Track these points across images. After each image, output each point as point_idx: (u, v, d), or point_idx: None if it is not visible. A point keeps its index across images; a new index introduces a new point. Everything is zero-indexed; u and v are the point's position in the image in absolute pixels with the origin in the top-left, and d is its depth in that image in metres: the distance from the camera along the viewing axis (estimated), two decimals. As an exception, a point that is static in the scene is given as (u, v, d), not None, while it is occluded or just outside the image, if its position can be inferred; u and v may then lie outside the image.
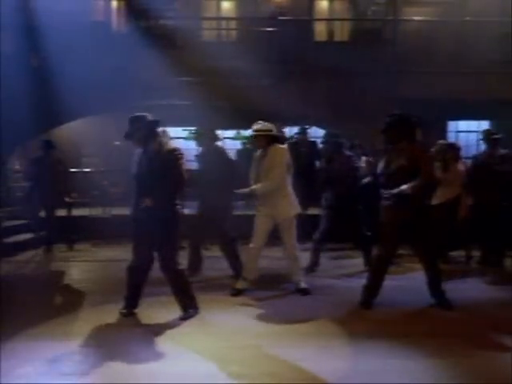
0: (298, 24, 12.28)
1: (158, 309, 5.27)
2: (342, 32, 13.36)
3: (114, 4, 12.42)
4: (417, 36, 11.55)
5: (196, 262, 6.69)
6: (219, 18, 13.38)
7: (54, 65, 9.56)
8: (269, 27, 11.40)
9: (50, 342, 4.36)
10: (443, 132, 13.02)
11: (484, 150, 7.80)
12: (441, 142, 7.99)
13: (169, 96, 10.25)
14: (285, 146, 6.03)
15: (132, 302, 5.08)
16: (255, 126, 5.87)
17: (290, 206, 5.82)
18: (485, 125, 12.46)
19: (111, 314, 5.11)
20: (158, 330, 4.66)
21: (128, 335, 4.54)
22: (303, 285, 5.98)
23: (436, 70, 10.42)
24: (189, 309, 5.07)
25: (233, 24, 13.40)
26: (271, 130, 5.84)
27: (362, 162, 8.70)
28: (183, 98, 10.33)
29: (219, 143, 6.89)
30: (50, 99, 9.55)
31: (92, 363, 3.94)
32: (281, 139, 6.14)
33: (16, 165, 11.75)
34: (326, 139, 7.26)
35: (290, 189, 5.87)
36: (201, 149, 6.80)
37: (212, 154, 6.62)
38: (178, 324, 4.83)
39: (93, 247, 8.93)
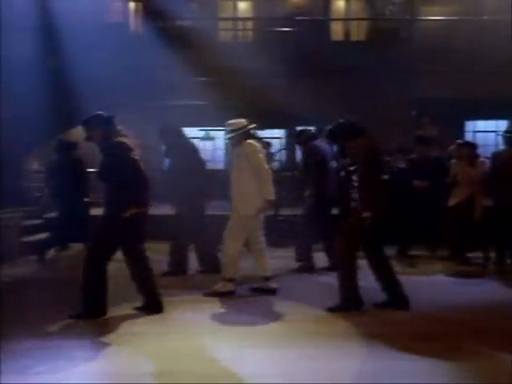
0: (314, 24, 12.26)
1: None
2: (358, 31, 13.31)
3: (132, 5, 12.51)
4: (434, 35, 11.48)
5: (180, 262, 6.70)
6: (235, 19, 13.41)
7: (71, 66, 9.64)
8: (285, 27, 11.40)
9: (67, 341, 4.40)
10: (461, 132, 12.92)
11: (503, 149, 7.70)
12: (458, 141, 7.94)
13: (185, 96, 10.30)
14: (252, 141, 5.83)
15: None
16: (228, 125, 5.82)
17: (253, 204, 5.66)
18: (503, 124, 12.33)
19: (128, 312, 5.15)
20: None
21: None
22: (267, 285, 5.85)
23: (453, 69, 10.33)
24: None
25: (249, 24, 13.42)
26: (245, 127, 5.78)
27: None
28: (199, 98, 10.37)
29: (188, 141, 6.87)
30: (68, 100, 9.63)
31: (109, 361, 3.97)
32: (252, 135, 5.95)
33: (34, 165, 11.86)
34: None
35: (256, 186, 5.69)
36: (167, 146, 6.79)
37: (180, 151, 6.61)
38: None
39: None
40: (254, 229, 5.78)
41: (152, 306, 5.09)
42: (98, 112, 5.02)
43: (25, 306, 5.39)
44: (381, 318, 4.97)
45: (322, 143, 7.10)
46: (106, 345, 4.29)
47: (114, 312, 5.08)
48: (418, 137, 8.32)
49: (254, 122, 5.91)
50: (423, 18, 12.26)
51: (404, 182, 7.86)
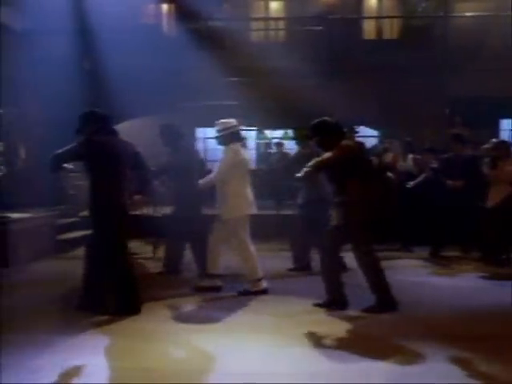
0: (346, 22, 12.19)
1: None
2: (391, 30, 13.18)
3: (165, 7, 12.65)
4: (468, 32, 11.29)
5: (175, 262, 6.78)
6: (267, 19, 13.42)
7: (105, 67, 9.81)
8: (317, 26, 11.37)
9: (96, 335, 4.51)
10: (496, 130, 12.69)
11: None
12: (493, 140, 7.80)
13: (217, 96, 10.37)
14: (238, 144, 5.84)
15: None
16: (217, 125, 5.84)
17: (233, 207, 5.69)
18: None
19: (160, 308, 5.23)
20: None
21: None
22: (257, 286, 5.82)
23: (488, 66, 10.16)
24: None
25: (281, 24, 13.43)
26: (233, 127, 5.79)
27: (409, 159, 8.59)
28: (232, 99, 10.42)
29: (187, 140, 6.94)
30: (102, 101, 9.79)
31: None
32: (240, 136, 5.97)
33: (69, 164, 12.08)
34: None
35: (238, 190, 5.72)
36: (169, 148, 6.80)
37: (180, 151, 6.63)
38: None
39: (146, 245, 9.09)
40: (237, 231, 5.78)
41: None
42: (94, 109, 5.13)
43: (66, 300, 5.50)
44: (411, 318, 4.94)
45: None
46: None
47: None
48: (454, 135, 8.19)
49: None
50: (457, 14, 12.08)
51: (437, 181, 7.77)
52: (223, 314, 5.10)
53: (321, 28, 11.27)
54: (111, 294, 5.08)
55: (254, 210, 5.89)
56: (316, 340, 4.39)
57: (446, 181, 7.66)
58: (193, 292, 5.84)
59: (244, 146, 6.16)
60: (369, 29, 13.17)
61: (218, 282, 5.89)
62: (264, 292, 5.78)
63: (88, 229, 8.97)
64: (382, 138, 11.26)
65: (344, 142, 5.15)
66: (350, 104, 10.25)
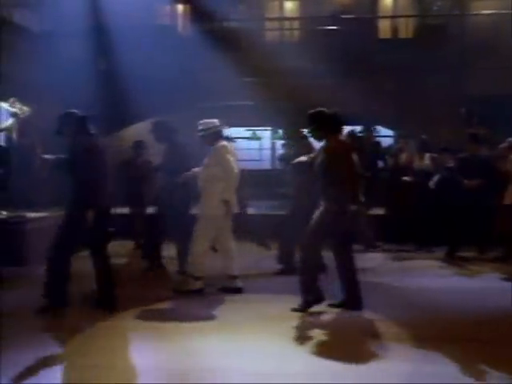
0: (361, 22, 12.15)
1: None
2: (406, 28, 13.09)
3: (180, 7, 12.70)
4: (484, 30, 11.19)
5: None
6: (282, 19, 13.41)
7: (121, 68, 9.88)
8: (332, 26, 11.34)
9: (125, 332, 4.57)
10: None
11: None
12: (510, 139, 7.74)
13: (232, 97, 10.39)
14: (225, 143, 5.88)
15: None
16: (200, 125, 5.88)
17: (216, 205, 5.71)
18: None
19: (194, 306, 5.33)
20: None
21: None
22: (233, 283, 5.91)
23: (504, 65, 10.06)
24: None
25: (296, 24, 13.41)
26: (216, 127, 5.84)
27: (426, 158, 8.54)
28: (246, 99, 10.44)
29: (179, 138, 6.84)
30: (118, 101, 9.88)
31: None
32: (223, 136, 5.99)
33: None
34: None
35: (223, 188, 5.72)
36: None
37: (171, 148, 6.67)
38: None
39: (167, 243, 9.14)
40: (222, 228, 5.84)
41: None
42: (73, 110, 5.20)
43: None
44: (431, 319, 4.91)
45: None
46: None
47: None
48: (470, 135, 8.14)
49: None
50: (473, 12, 11.97)
51: (454, 181, 7.72)
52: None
53: (336, 27, 11.23)
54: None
55: (235, 209, 5.92)
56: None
57: (462, 180, 7.61)
58: (175, 293, 5.84)
59: (231, 145, 6.12)
60: (384, 28, 13.09)
61: (201, 285, 5.87)
62: (239, 291, 5.85)
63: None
64: (396, 138, 11.20)
65: (337, 141, 5.14)
66: (365, 104, 10.21)
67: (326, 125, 5.16)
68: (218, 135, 5.85)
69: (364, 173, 8.33)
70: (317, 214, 5.11)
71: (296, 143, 7.12)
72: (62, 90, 9.18)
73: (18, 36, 9.55)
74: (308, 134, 5.61)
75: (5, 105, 7.43)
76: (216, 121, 5.92)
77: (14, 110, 7.85)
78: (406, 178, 8.59)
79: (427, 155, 8.51)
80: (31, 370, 3.78)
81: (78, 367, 3.88)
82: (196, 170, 5.98)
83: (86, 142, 5.12)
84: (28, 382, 3.62)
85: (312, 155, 5.39)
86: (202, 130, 5.85)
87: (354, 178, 5.10)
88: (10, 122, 8.04)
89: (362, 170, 8.36)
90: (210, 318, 5.07)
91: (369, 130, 10.22)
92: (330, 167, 5.02)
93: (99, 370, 3.77)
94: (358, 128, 9.92)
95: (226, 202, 5.72)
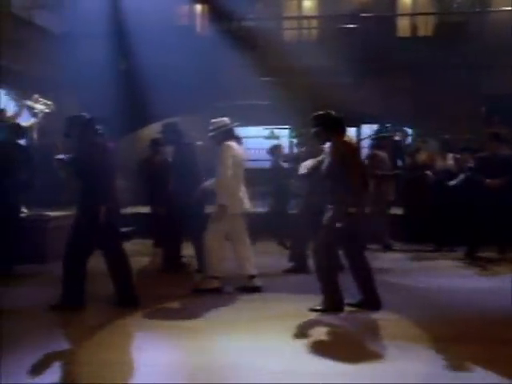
0: (380, 20, 12.09)
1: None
2: (426, 26, 12.98)
3: (198, 8, 12.75)
4: (505, 28, 11.05)
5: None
6: (300, 17, 13.40)
7: (140, 68, 9.96)
8: (351, 24, 11.31)
9: (139, 333, 4.62)
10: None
11: None
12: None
13: (251, 96, 10.41)
14: (232, 143, 5.83)
15: None
16: (210, 124, 5.89)
17: (231, 202, 5.70)
18: None
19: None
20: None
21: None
22: (251, 283, 5.87)
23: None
24: None
25: (314, 22, 13.39)
26: (225, 126, 5.82)
27: (449, 158, 8.47)
28: (265, 98, 10.45)
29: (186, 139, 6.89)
30: (137, 101, 9.96)
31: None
32: (234, 134, 5.96)
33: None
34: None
35: (231, 187, 5.72)
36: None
37: (178, 149, 6.73)
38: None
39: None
40: (235, 227, 5.83)
41: None
42: (81, 113, 5.27)
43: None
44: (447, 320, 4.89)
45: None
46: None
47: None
48: (491, 134, 8.05)
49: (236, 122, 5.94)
50: (493, 9, 11.83)
51: (475, 181, 7.66)
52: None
53: (354, 26, 11.19)
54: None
55: (248, 207, 5.93)
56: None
57: (483, 180, 7.52)
58: (193, 292, 5.84)
59: (240, 143, 6.13)
60: (403, 26, 12.99)
61: (218, 284, 5.86)
62: (258, 290, 5.82)
63: (123, 226, 9.22)
64: (415, 137, 11.14)
65: (342, 143, 5.11)
66: (384, 102, 10.17)
67: (330, 127, 5.14)
68: (227, 134, 5.83)
69: (394, 172, 8.41)
70: (327, 215, 5.08)
71: (306, 143, 7.12)
72: (82, 91, 9.30)
73: (38, 37, 9.68)
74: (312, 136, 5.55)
75: (29, 102, 7.49)
76: (226, 119, 5.91)
77: (38, 106, 7.93)
78: (428, 173, 8.54)
79: (450, 155, 8.44)
80: (40, 367, 3.84)
81: (90, 363, 3.93)
82: (217, 176, 5.85)
83: (92, 143, 5.20)
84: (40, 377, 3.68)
85: (320, 158, 5.32)
86: (213, 129, 5.86)
87: (362, 179, 5.10)
88: (31, 121, 8.16)
89: (392, 170, 8.44)
90: (222, 316, 5.09)
91: (386, 129, 10.18)
92: (337, 169, 5.01)
93: (112, 366, 3.82)
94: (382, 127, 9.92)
95: (221, 207, 5.69)
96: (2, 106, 7.83)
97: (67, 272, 5.19)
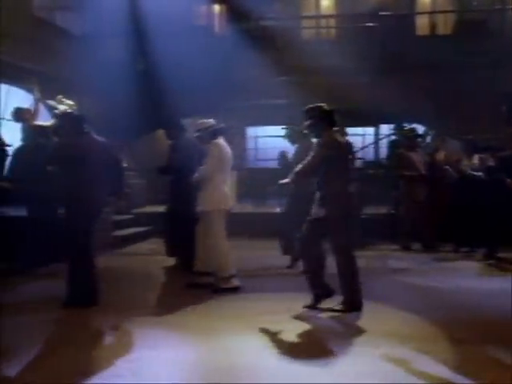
0: (399, 18, 12.02)
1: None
2: (445, 25, 12.88)
3: (216, 8, 12.79)
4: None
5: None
6: (318, 17, 13.38)
7: (159, 68, 10.02)
8: (369, 23, 11.26)
9: (160, 330, 4.64)
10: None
11: None
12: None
13: (269, 95, 10.42)
14: (220, 141, 5.96)
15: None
16: (197, 125, 6.05)
17: (210, 200, 5.81)
18: None
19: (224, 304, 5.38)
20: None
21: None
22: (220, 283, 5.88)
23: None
24: None
25: (332, 21, 13.35)
26: (211, 127, 5.97)
27: (475, 158, 8.39)
28: (283, 98, 10.45)
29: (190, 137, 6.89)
30: (155, 101, 10.02)
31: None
32: (222, 134, 6.07)
33: (125, 163, 12.39)
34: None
35: (217, 183, 5.85)
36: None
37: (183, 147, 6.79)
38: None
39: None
40: (213, 225, 5.86)
41: None
42: (69, 111, 5.31)
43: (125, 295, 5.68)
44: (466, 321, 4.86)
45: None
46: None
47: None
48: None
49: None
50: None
51: (495, 180, 7.58)
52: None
53: (373, 25, 11.14)
54: None
55: (230, 205, 6.03)
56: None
57: (504, 180, 7.45)
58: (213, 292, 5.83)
59: (229, 142, 6.23)
60: (422, 25, 12.90)
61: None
62: (235, 289, 5.83)
63: (141, 226, 9.28)
64: (433, 136, 11.06)
65: (330, 137, 5.08)
66: (402, 101, 10.10)
67: (322, 120, 5.10)
68: (213, 135, 5.97)
69: (419, 173, 8.35)
70: (314, 210, 5.10)
71: (298, 142, 7.17)
72: (102, 91, 9.38)
73: (59, 38, 9.78)
74: (306, 132, 5.57)
75: (52, 102, 7.57)
76: (212, 120, 6.09)
77: (61, 107, 8.00)
78: (446, 167, 8.48)
79: (476, 156, 8.36)
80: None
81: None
82: (201, 170, 5.98)
83: (78, 141, 5.26)
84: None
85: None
86: (199, 129, 6.04)
87: (348, 175, 5.14)
88: (51, 121, 8.24)
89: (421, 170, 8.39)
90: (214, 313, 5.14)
91: (402, 128, 10.08)
92: (324, 164, 5.01)
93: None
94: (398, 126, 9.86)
95: (222, 197, 5.85)
96: (26, 106, 7.92)
97: (77, 270, 5.24)
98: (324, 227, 5.07)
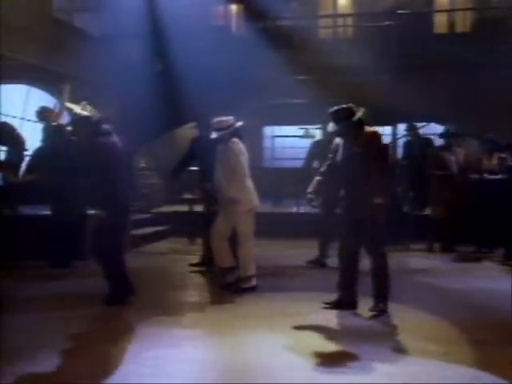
0: (416, 17, 11.93)
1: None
2: (463, 23, 12.74)
3: (233, 7, 12.82)
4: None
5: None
6: (335, 15, 13.34)
7: (176, 69, 10.06)
8: (386, 21, 11.20)
9: (174, 329, 4.67)
10: None
11: None
12: None
13: (287, 95, 10.42)
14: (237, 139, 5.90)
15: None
16: (216, 123, 5.91)
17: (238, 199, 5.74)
18: None
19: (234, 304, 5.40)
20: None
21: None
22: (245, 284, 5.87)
23: None
24: None
25: (349, 20, 13.31)
26: (232, 125, 5.87)
27: (495, 158, 8.27)
28: (300, 97, 10.45)
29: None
30: (173, 101, 10.06)
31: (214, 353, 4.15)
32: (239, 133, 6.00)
33: (142, 163, 12.49)
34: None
35: (244, 182, 5.84)
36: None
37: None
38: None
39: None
40: (240, 224, 5.83)
41: None
42: (87, 115, 5.35)
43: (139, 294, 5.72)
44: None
45: None
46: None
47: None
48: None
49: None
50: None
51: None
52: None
53: (390, 23, 11.08)
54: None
55: (256, 204, 5.95)
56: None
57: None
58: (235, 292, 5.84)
59: (243, 141, 6.13)
60: (440, 22, 12.78)
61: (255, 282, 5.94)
62: (252, 289, 5.83)
63: (161, 225, 9.36)
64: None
65: (368, 137, 5.01)
66: (421, 100, 10.03)
67: (357, 121, 5.00)
68: (233, 133, 5.90)
69: (447, 173, 8.26)
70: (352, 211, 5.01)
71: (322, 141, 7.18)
72: (120, 92, 9.45)
73: (78, 39, 9.87)
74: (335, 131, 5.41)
75: (75, 107, 7.66)
76: (231, 118, 5.96)
77: (83, 113, 8.07)
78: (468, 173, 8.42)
79: (495, 155, 8.25)
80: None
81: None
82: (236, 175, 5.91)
83: (98, 143, 5.29)
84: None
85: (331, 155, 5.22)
86: (220, 128, 5.87)
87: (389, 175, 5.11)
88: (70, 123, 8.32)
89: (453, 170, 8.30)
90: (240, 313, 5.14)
91: (414, 128, 9.98)
92: (364, 164, 4.91)
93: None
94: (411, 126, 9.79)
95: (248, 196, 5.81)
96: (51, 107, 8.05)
97: (116, 269, 5.32)
98: (364, 228, 4.96)
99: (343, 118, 5.01)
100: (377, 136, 5.09)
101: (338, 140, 5.21)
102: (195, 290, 6.29)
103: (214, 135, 5.96)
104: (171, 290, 6.13)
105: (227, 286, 5.96)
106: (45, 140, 7.47)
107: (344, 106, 5.07)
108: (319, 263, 7.14)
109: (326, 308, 5.14)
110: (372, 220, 4.89)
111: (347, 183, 5.10)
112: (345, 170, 5.06)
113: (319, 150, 7.24)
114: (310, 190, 5.25)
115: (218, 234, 5.97)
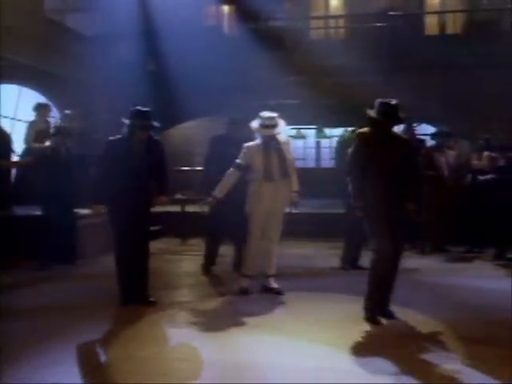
0: (407, 18, 11.98)
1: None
2: (454, 24, 12.81)
3: (225, 8, 12.83)
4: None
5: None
6: (327, 17, 13.37)
7: (169, 68, 10.07)
8: (378, 23, 11.25)
9: (170, 328, 4.68)
10: None
11: None
12: None
13: (278, 96, 10.43)
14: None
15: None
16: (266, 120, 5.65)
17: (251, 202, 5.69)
18: None
19: (222, 304, 5.40)
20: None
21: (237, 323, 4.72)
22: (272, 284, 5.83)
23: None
24: None
25: (341, 22, 13.35)
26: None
27: (484, 157, 8.30)
28: (292, 98, 10.47)
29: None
30: (166, 101, 10.05)
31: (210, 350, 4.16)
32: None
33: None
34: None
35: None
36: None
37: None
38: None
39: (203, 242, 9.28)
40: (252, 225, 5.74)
41: None
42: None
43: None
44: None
45: None
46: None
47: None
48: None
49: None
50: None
51: (505, 180, 7.56)
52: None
53: (382, 25, 11.13)
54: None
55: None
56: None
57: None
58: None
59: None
60: (431, 24, 12.84)
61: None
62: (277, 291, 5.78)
63: (155, 224, 9.34)
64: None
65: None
66: (412, 101, 10.06)
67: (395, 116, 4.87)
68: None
69: (435, 174, 8.28)
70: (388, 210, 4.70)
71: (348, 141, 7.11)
72: (113, 92, 9.44)
73: (70, 39, 9.85)
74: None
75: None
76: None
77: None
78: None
79: (485, 154, 8.27)
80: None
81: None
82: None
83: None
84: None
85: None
86: (270, 125, 5.60)
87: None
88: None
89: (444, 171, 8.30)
90: (253, 314, 5.13)
91: (410, 128, 10.00)
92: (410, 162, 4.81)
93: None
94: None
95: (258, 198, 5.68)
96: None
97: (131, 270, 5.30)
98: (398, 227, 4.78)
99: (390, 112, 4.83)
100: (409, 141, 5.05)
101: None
102: (188, 289, 6.29)
103: (271, 131, 5.60)
104: (166, 290, 6.12)
105: (244, 290, 5.81)
106: (25, 141, 7.50)
107: (386, 100, 4.91)
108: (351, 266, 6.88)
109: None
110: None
111: (388, 186, 4.74)
112: (387, 173, 4.75)
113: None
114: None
115: (260, 233, 5.76)
